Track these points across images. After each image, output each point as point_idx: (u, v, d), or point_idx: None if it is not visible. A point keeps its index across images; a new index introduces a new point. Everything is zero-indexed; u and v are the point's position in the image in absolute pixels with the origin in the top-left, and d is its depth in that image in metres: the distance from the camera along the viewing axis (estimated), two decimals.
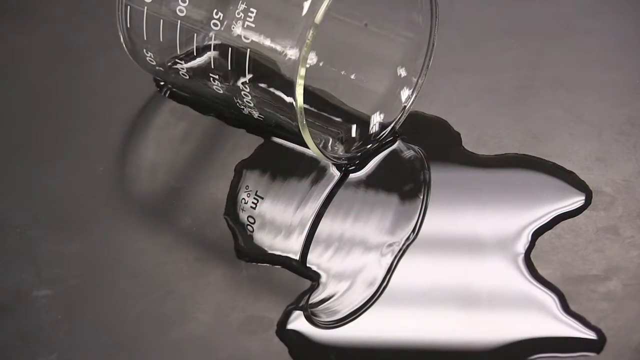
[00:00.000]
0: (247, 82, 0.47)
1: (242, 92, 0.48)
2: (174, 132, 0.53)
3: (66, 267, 0.47)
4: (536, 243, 0.47)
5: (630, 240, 0.47)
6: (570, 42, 0.58)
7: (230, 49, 0.47)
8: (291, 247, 0.48)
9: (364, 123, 0.52)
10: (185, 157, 0.52)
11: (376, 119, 0.52)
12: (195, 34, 0.48)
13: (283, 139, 0.52)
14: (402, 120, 0.52)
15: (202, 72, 0.49)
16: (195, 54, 0.48)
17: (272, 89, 0.47)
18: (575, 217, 0.48)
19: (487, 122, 0.53)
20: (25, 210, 0.49)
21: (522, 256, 0.47)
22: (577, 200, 0.49)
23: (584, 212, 0.48)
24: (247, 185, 0.50)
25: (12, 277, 0.47)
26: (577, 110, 0.53)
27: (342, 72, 0.53)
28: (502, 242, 0.47)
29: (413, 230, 0.48)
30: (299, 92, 0.46)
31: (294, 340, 0.44)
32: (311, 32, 0.45)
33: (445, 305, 0.45)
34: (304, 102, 0.46)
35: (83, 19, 0.60)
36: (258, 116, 0.49)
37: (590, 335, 0.44)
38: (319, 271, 0.47)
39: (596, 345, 0.44)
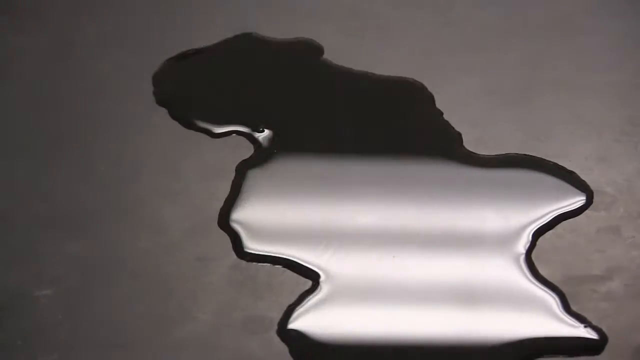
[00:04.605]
0: None
1: None
2: (173, 132, 0.53)
3: (66, 267, 0.47)
4: (537, 243, 0.47)
5: (631, 241, 0.47)
6: (571, 42, 0.57)
7: None
8: (291, 247, 0.48)
9: None
10: (186, 157, 0.52)
11: None
12: None
13: None
14: None
15: None
16: None
17: None
18: (577, 217, 0.48)
19: (488, 122, 0.53)
20: (25, 210, 0.49)
21: (523, 256, 0.47)
22: (578, 200, 0.49)
23: (585, 212, 0.48)
24: (247, 186, 0.50)
25: (12, 277, 0.46)
26: (578, 110, 0.53)
27: None
28: (502, 242, 0.47)
29: (413, 230, 0.48)
30: None
31: (295, 340, 0.44)
32: None
33: (445, 304, 0.45)
34: None
35: (83, 19, 0.60)
36: None
37: (591, 335, 0.44)
38: (319, 271, 0.47)
39: (597, 345, 0.44)
